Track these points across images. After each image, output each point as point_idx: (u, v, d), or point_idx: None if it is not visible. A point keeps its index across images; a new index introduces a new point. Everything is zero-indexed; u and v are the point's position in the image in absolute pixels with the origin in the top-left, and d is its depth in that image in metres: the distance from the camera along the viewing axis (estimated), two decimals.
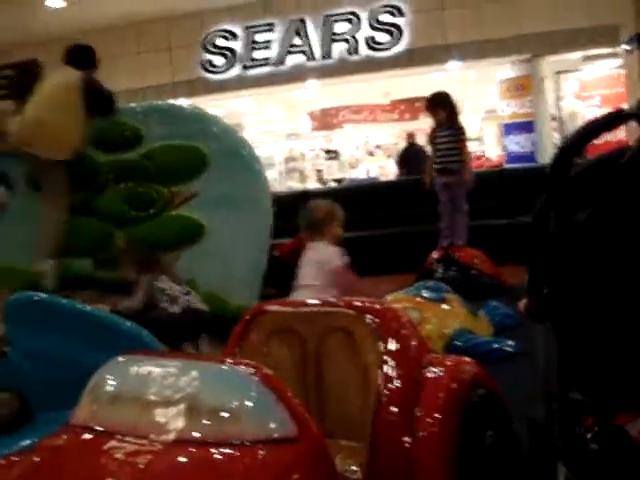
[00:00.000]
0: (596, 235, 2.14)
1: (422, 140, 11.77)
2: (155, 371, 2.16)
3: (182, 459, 1.89)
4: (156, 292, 4.56)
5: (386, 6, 12.34)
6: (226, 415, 1.96)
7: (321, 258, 4.21)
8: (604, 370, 2.15)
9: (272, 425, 1.98)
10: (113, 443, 1.98)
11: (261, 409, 2.00)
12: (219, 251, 4.70)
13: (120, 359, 2.29)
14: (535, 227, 2.30)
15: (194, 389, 2.04)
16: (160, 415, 2.01)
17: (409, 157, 13.65)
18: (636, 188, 2.07)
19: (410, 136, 14.35)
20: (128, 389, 2.15)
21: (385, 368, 2.47)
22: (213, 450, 1.90)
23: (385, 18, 12.40)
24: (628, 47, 11.20)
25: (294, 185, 17.51)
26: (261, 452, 1.91)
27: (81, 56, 5.45)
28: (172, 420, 1.99)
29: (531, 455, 2.57)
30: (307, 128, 18.81)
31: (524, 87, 12.73)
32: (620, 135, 8.21)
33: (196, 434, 1.94)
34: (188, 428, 1.96)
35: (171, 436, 1.96)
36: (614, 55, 12.31)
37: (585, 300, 2.16)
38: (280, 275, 6.55)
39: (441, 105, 7.42)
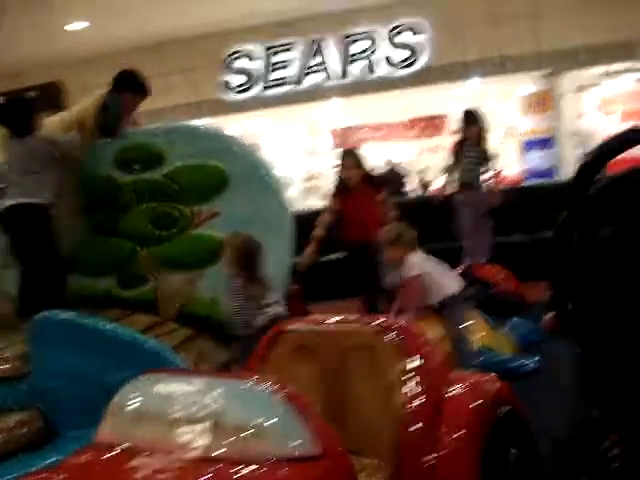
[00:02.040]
0: (620, 250, 2.13)
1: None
2: (179, 389, 2.17)
3: (207, 476, 1.90)
4: (246, 299, 4.37)
5: (404, 25, 12.37)
6: (250, 433, 1.97)
7: None
8: (629, 384, 2.14)
9: (296, 443, 1.98)
10: (138, 460, 2.00)
11: (285, 427, 2.01)
12: None
13: (143, 377, 2.31)
14: (557, 243, 2.30)
15: (218, 407, 2.05)
16: (185, 432, 2.03)
17: (390, 178, 14.41)
18: None
19: (389, 161, 15.78)
20: (152, 407, 2.16)
21: (408, 385, 2.46)
22: (238, 467, 1.91)
23: (404, 36, 12.42)
24: None
25: (315, 203, 17.50)
26: (285, 469, 1.91)
27: (122, 80, 5.58)
28: (197, 437, 2.00)
29: (555, 473, 2.55)
30: (328, 146, 18.82)
31: (545, 102, 12.67)
32: None
33: (221, 451, 1.96)
34: (213, 445, 1.97)
35: (196, 453, 1.97)
36: (633, 70, 12.24)
37: (609, 314, 2.15)
38: None
39: (475, 121, 7.45)
